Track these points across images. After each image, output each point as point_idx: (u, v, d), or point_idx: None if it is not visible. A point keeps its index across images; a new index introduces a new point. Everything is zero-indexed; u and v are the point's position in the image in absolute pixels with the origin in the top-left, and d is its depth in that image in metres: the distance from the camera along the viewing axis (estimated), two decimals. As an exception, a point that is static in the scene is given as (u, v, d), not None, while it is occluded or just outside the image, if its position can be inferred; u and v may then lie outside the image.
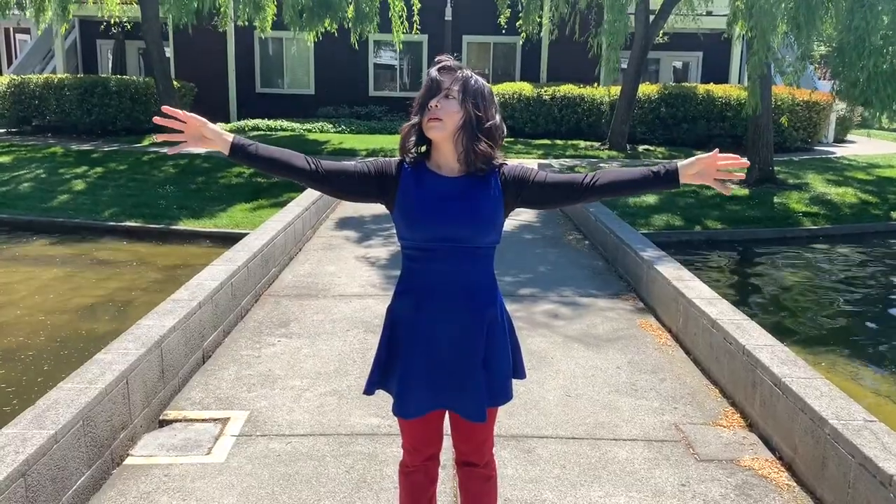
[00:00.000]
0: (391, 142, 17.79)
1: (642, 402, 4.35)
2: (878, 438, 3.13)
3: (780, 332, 6.12)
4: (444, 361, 2.30)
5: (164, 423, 4.02)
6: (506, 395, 2.38)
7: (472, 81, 2.24)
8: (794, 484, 3.48)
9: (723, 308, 4.94)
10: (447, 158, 2.29)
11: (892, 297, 8.45)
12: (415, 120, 2.28)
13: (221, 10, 16.16)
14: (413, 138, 2.31)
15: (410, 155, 2.33)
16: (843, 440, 3.17)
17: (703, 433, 3.98)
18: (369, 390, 2.46)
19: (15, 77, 19.29)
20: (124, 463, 3.59)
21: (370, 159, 2.40)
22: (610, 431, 3.97)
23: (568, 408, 4.23)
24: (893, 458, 2.95)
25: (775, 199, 11.95)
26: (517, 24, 17.56)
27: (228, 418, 4.05)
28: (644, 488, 3.42)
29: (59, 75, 19.65)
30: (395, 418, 3.96)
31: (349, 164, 2.40)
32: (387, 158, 2.38)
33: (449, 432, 2.51)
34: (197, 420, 4.05)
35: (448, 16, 17.06)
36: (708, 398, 4.43)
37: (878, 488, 2.89)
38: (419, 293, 2.31)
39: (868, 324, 7.35)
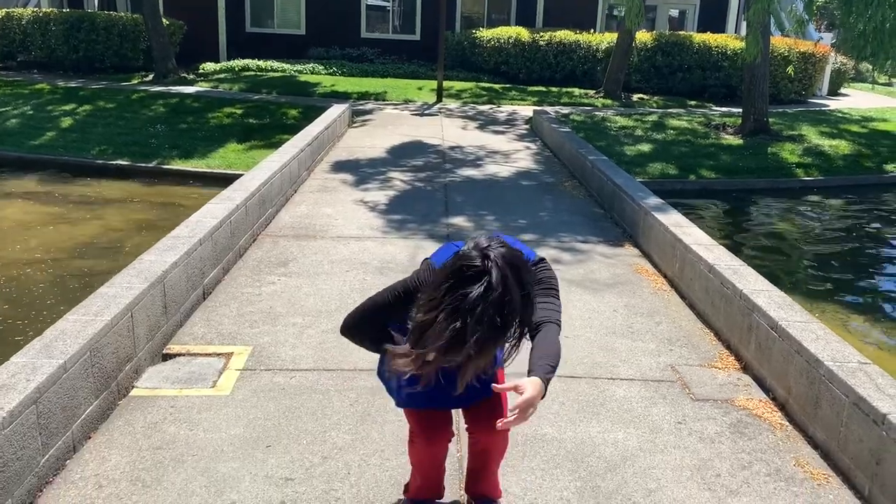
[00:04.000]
0: (383, 85, 17.59)
1: (639, 343, 4.42)
2: (872, 379, 3.21)
3: (772, 279, 6.19)
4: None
5: (167, 357, 4.06)
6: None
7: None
8: (787, 423, 3.57)
9: (719, 254, 4.99)
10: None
11: (883, 248, 8.55)
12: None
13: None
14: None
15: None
16: (837, 381, 3.25)
17: (698, 374, 4.06)
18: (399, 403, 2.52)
19: (-2, 11, 18.84)
20: (130, 394, 3.64)
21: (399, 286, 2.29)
22: (608, 371, 4.05)
23: (567, 348, 4.26)
24: (887, 398, 3.03)
25: (769, 150, 11.96)
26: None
27: (232, 353, 4.09)
28: (641, 425, 3.50)
29: (44, 9, 19.18)
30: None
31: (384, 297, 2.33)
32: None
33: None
34: (201, 354, 4.08)
35: (444, -44, 16.71)
36: (703, 341, 4.51)
37: (871, 427, 2.98)
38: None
39: (858, 273, 7.45)
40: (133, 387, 3.70)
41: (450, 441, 2.59)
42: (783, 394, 3.72)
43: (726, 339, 4.45)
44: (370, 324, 2.36)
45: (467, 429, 2.59)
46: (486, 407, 2.49)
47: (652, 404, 3.71)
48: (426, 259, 2.39)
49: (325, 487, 2.95)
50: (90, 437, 3.24)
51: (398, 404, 2.52)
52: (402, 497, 2.85)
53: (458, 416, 2.73)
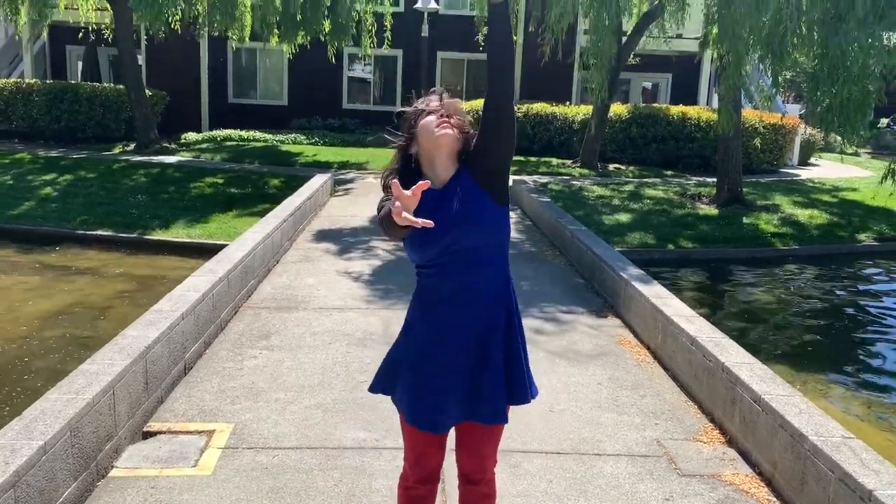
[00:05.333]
0: (364, 155, 17.82)
1: (624, 417, 4.42)
2: (857, 455, 3.23)
3: (752, 349, 6.24)
4: (460, 369, 2.34)
5: (148, 435, 3.99)
6: (524, 396, 2.43)
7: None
8: (775, 499, 3.57)
9: (701, 326, 5.04)
10: (439, 170, 2.37)
11: (859, 316, 8.67)
12: (403, 139, 2.42)
13: (199, 18, 16.08)
14: (401, 161, 2.43)
15: (396, 176, 2.37)
16: (822, 456, 3.26)
17: (684, 448, 4.05)
18: (374, 388, 2.53)
19: (-18, 81, 18.97)
20: (109, 475, 3.56)
21: (385, 197, 2.41)
22: (594, 446, 4.03)
23: (552, 423, 4.28)
24: (873, 473, 3.05)
25: (744, 220, 12.20)
26: (492, 41, 17.72)
27: (214, 430, 4.03)
28: (629, 502, 3.48)
29: (27, 80, 19.37)
30: (382, 432, 4.00)
31: (388, 201, 2.36)
32: (391, 187, 2.38)
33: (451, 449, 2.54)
34: (182, 432, 4.02)
35: (424, 32, 17.18)
36: (687, 414, 4.51)
37: (858, 503, 2.99)
38: (432, 304, 2.36)
39: (836, 343, 7.53)
40: (113, 467, 3.63)
41: (438, 480, 2.59)
42: (769, 469, 3.72)
43: (710, 412, 4.46)
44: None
45: (456, 452, 2.57)
46: (479, 432, 2.47)
47: (639, 480, 3.69)
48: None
49: (310, 572, 2.88)
50: (67, 522, 3.16)
51: (411, 422, 2.45)
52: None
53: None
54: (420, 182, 2.12)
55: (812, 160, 21.87)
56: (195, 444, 3.89)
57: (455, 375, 2.34)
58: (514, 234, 10.08)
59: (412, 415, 2.39)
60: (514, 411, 4.30)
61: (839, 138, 11.41)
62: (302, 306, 6.42)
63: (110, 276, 8.88)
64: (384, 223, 2.29)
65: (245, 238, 7.34)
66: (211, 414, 4.25)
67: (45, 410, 3.27)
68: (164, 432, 4.02)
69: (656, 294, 5.81)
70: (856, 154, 25.51)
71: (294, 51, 18.24)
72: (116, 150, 17.37)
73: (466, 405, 2.37)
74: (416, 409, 2.38)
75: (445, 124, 2.33)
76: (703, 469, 3.84)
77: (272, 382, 4.72)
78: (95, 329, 6.80)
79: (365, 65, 22.86)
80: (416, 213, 2.30)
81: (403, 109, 2.44)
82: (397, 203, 2.08)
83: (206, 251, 8.76)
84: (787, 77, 28.00)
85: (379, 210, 2.39)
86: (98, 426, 3.50)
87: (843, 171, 20.02)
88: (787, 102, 30.38)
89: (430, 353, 2.36)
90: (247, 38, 17.25)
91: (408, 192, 2.10)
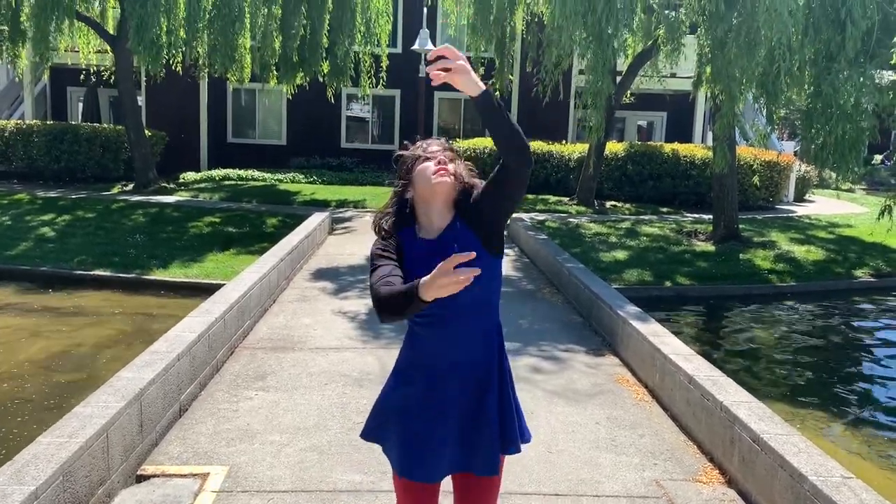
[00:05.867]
0: (362, 193, 17.91)
1: (623, 457, 4.38)
2: (857, 495, 3.20)
3: (750, 387, 6.22)
4: (453, 420, 2.32)
5: (141, 479, 3.94)
6: (516, 445, 2.41)
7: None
8: (776, 541, 3.52)
9: (699, 364, 5.02)
10: (434, 217, 2.35)
11: (857, 353, 8.64)
12: (400, 184, 2.40)
13: (199, 60, 16.29)
14: (396, 205, 2.41)
15: (390, 221, 2.39)
16: (822, 496, 3.23)
17: (683, 489, 4.01)
18: (366, 436, 2.50)
19: (-18, 122, 19.13)
20: (101, 520, 3.51)
21: (382, 248, 2.35)
22: (592, 488, 3.99)
23: (550, 464, 4.24)
24: (873, 515, 3.01)
25: (741, 256, 12.22)
26: (490, 81, 17.95)
27: (208, 473, 3.99)
28: (629, 545, 3.43)
29: (28, 121, 19.53)
30: (378, 475, 3.96)
31: (386, 266, 2.30)
32: (386, 237, 2.37)
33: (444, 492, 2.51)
34: (176, 475, 3.98)
35: (421, 73, 17.40)
36: (686, 454, 4.48)
37: (860, 545, 2.95)
38: (424, 352, 2.35)
39: (834, 379, 7.50)
40: (105, 512, 3.58)
41: None
42: (769, 510, 3.68)
43: (709, 452, 4.42)
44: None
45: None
46: (476, 487, 2.43)
47: (638, 523, 3.64)
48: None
49: None
50: (58, 569, 3.11)
51: (402, 475, 2.41)
52: None
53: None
54: (460, 255, 1.94)
55: (807, 196, 22.00)
56: (189, 487, 3.85)
57: (448, 426, 2.32)
58: (511, 272, 10.10)
59: (406, 465, 2.36)
60: (512, 452, 4.28)
61: (834, 175, 11.48)
62: (298, 346, 6.40)
63: (107, 317, 8.86)
64: (395, 302, 2.09)
65: (242, 278, 7.34)
66: (206, 456, 4.20)
67: (37, 454, 3.24)
68: (158, 475, 3.98)
69: (654, 332, 5.80)
70: (851, 190, 25.68)
71: (293, 91, 18.44)
72: (115, 190, 17.45)
73: (460, 455, 2.35)
74: (409, 459, 2.35)
75: (443, 172, 2.31)
76: (703, 510, 3.79)
77: (268, 424, 4.68)
78: (92, 370, 6.76)
79: (363, 104, 23.09)
80: (410, 264, 2.30)
81: (402, 153, 2.43)
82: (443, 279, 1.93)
83: (204, 291, 8.75)
84: (782, 114, 28.29)
85: (376, 282, 2.22)
86: (91, 470, 3.47)
87: (838, 207, 20.12)
88: (783, 139, 30.64)
89: (422, 403, 2.34)
90: (246, 80, 17.46)
91: (447, 267, 1.94)
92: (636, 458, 4.37)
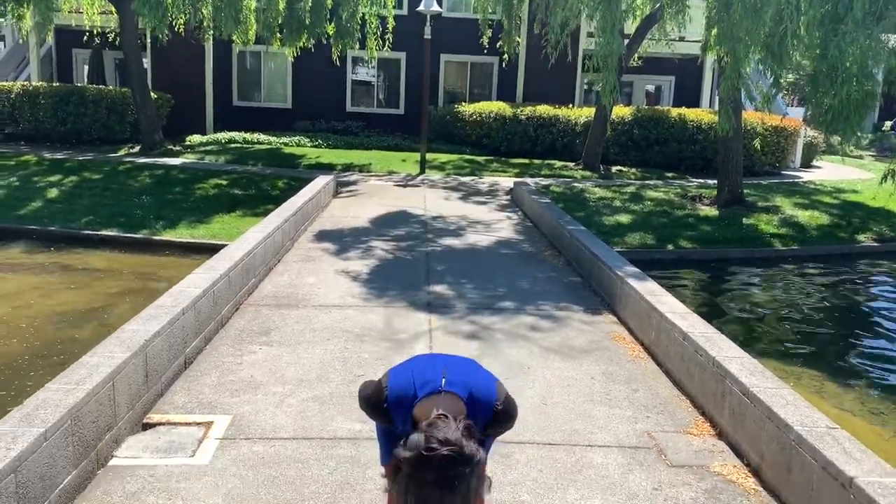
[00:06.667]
0: (367, 157, 17.92)
1: (616, 410, 4.48)
2: (840, 444, 3.29)
3: (749, 347, 6.30)
4: None
5: (147, 427, 4.07)
6: None
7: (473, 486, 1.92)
8: (761, 488, 3.63)
9: (694, 322, 5.10)
10: None
11: (856, 315, 8.71)
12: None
13: (204, 22, 16.20)
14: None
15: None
16: (806, 445, 3.32)
17: (674, 441, 4.12)
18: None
19: (-12, 84, 19.15)
20: (109, 464, 3.64)
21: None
22: (585, 438, 4.10)
23: (545, 415, 4.35)
24: (854, 462, 3.11)
25: (744, 221, 12.24)
26: (497, 44, 17.83)
27: (212, 422, 4.11)
28: (618, 492, 3.54)
29: (34, 83, 19.53)
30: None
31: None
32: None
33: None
34: (181, 423, 4.10)
35: (427, 34, 17.28)
36: (679, 408, 4.58)
37: (840, 491, 3.05)
38: None
39: (832, 340, 7.58)
40: (112, 456, 3.71)
41: None
42: (756, 459, 3.78)
43: (701, 406, 4.52)
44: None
45: None
46: None
47: (628, 471, 3.75)
48: (386, 373, 2.45)
49: (303, 556, 2.96)
50: (67, 508, 3.24)
51: None
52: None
53: None
54: None
55: (815, 162, 21.89)
56: (193, 434, 3.97)
57: None
58: (513, 235, 10.16)
59: None
60: (508, 404, 4.39)
61: (841, 140, 11.42)
62: (302, 304, 6.50)
63: (115, 275, 8.98)
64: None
65: (246, 238, 7.43)
66: (210, 406, 4.33)
67: (45, 400, 3.36)
68: (164, 424, 4.10)
69: (651, 291, 5.87)
70: (860, 157, 25.53)
71: (296, 54, 18.36)
72: (121, 153, 17.51)
73: None
74: None
75: None
76: (693, 460, 3.90)
77: (271, 376, 4.80)
78: (100, 326, 6.89)
79: (369, 67, 22.96)
80: None
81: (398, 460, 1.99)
82: None
83: (210, 251, 8.84)
84: (791, 80, 28.01)
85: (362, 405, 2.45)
86: (98, 416, 3.58)
87: (845, 173, 20.03)
88: (792, 105, 30.37)
89: None
90: (251, 42, 17.38)
91: None
92: (629, 412, 4.48)
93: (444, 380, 2.28)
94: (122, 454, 3.74)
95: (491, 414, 2.32)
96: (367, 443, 3.90)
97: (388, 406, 2.36)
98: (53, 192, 12.80)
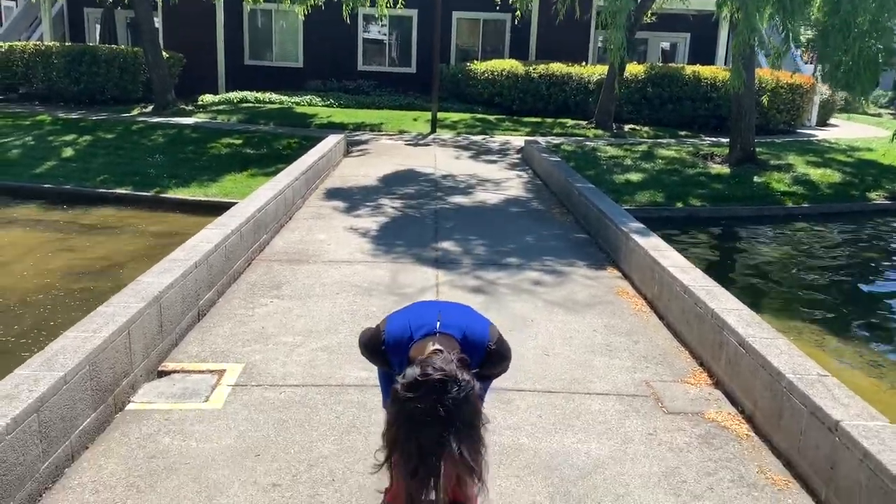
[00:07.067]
0: (379, 116, 17.91)
1: (616, 361, 4.60)
2: (829, 390, 3.39)
3: (754, 302, 6.39)
4: None
5: (162, 374, 4.23)
6: None
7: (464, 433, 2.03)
8: (753, 434, 3.75)
9: (695, 276, 5.19)
10: None
11: (863, 272, 8.75)
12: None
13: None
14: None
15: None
16: (797, 392, 3.43)
17: (671, 389, 4.24)
18: None
19: (1, 44, 19.20)
20: (126, 408, 3.81)
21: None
22: (584, 386, 4.22)
23: (546, 365, 4.48)
24: (842, 406, 3.22)
25: (756, 179, 12.22)
26: (510, 0, 17.66)
27: (224, 370, 4.27)
28: (614, 436, 3.68)
29: (46, 43, 19.58)
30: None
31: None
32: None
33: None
34: (194, 371, 4.26)
35: (438, -10, 17.15)
36: (678, 359, 4.69)
37: (826, 434, 3.16)
38: None
39: (837, 296, 7.64)
40: (129, 401, 3.87)
41: None
42: (750, 406, 3.90)
43: (699, 356, 4.63)
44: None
45: None
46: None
47: (625, 417, 3.88)
48: (385, 319, 2.61)
49: (311, 493, 3.12)
50: (87, 448, 3.41)
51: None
52: (382, 501, 3.01)
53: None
54: None
55: (831, 121, 21.66)
56: (207, 381, 4.13)
57: None
58: (522, 193, 10.22)
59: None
60: (510, 354, 4.51)
61: (855, 98, 11.32)
62: (312, 259, 6.63)
63: (129, 233, 9.15)
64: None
65: (257, 195, 7.54)
66: (222, 355, 4.48)
67: (64, 346, 3.51)
68: (178, 371, 4.26)
69: (654, 246, 5.95)
70: (878, 115, 25.21)
71: (307, 11, 18.26)
72: (134, 112, 17.60)
73: None
74: None
75: None
76: (688, 408, 4.02)
77: (281, 328, 4.95)
78: (114, 281, 7.06)
79: (381, 26, 22.80)
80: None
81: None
82: None
83: (223, 209, 8.91)
84: (809, 35, 27.56)
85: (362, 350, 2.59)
86: (115, 363, 3.74)
87: (861, 131, 19.84)
88: (810, 63, 29.91)
89: None
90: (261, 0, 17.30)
91: None
92: (629, 362, 4.59)
93: (438, 322, 2.39)
94: (139, 399, 3.91)
95: (484, 353, 2.44)
96: (373, 389, 4.04)
97: (386, 349, 2.49)
98: (68, 152, 12.95)
